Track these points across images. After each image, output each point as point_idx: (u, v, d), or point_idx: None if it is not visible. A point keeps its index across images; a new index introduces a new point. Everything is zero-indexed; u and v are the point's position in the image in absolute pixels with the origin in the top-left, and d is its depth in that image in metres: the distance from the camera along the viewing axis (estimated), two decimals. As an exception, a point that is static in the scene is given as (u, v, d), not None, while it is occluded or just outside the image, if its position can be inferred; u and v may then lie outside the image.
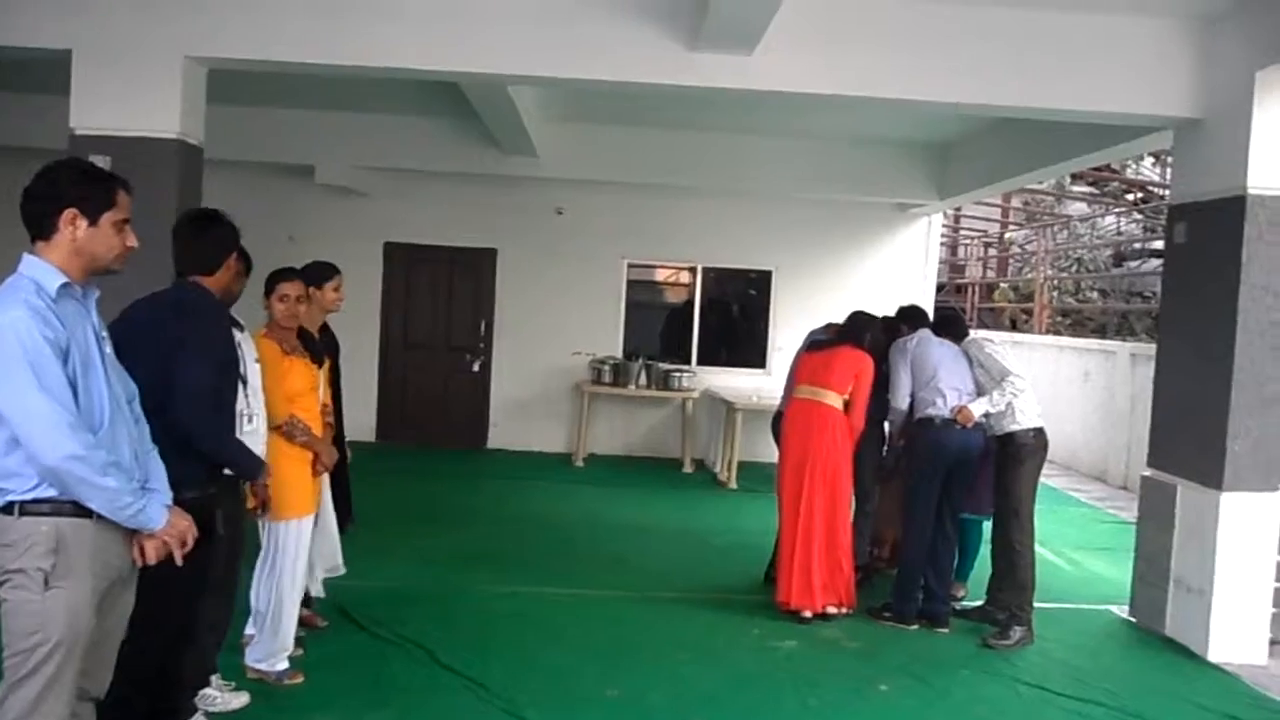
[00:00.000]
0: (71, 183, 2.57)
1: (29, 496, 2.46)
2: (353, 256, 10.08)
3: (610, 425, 10.80)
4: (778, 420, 5.98)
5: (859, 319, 5.74)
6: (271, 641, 4.16)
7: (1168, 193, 7.42)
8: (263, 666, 4.16)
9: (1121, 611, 5.92)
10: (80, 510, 2.49)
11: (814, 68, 5.51)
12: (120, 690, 3.07)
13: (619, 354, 10.68)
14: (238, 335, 3.59)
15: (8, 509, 2.47)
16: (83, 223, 2.55)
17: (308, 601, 4.80)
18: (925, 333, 5.68)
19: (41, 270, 2.51)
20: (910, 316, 5.96)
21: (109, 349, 2.66)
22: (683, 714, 4.16)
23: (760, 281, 11.08)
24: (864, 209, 10.76)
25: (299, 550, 4.13)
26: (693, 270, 11.10)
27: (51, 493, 2.46)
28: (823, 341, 5.79)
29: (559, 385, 10.75)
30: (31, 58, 5.53)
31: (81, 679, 2.57)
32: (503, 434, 10.85)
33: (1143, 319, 15.30)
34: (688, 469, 10.13)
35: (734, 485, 9.31)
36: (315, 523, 4.38)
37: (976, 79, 5.54)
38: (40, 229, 2.55)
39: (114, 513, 2.52)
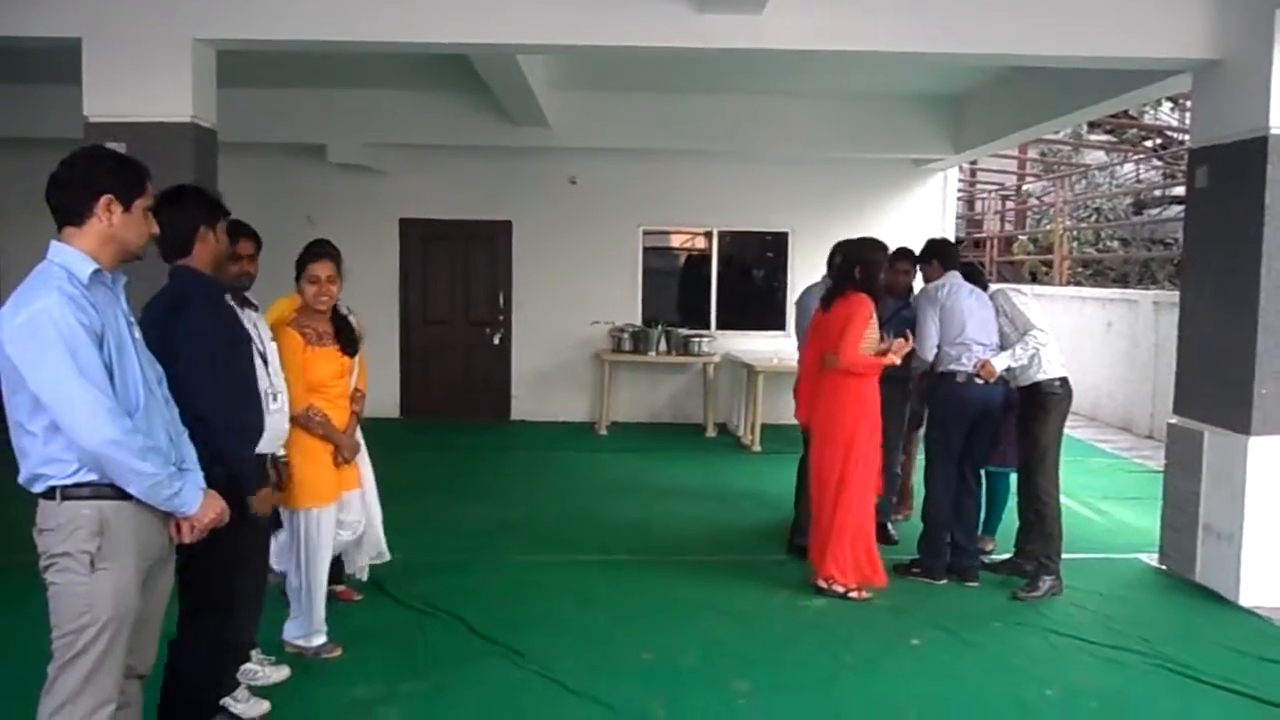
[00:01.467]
0: (107, 170, 2.60)
1: (70, 481, 2.50)
2: (369, 234, 10.19)
3: (632, 393, 10.82)
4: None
5: (835, 254, 5.65)
6: (307, 620, 4.24)
7: (1187, 137, 7.33)
8: (300, 643, 4.24)
9: (1151, 560, 5.91)
10: (121, 493, 2.53)
11: (823, 24, 5.45)
12: (184, 666, 3.17)
13: (638, 321, 10.69)
14: (252, 316, 3.57)
15: (50, 494, 2.51)
16: (118, 209, 2.58)
17: (339, 579, 4.87)
18: (956, 279, 5.50)
19: (72, 257, 2.53)
20: (941, 253, 5.67)
21: (139, 334, 2.69)
22: (717, 675, 4.21)
23: (777, 243, 11.04)
24: (879, 166, 10.67)
25: (320, 538, 4.16)
26: (709, 235, 11.06)
27: (93, 477, 2.50)
28: (827, 297, 5.42)
29: (579, 355, 10.77)
30: (42, 47, 5.54)
31: (128, 657, 2.63)
32: (525, 405, 10.91)
33: (1164, 266, 15.15)
34: (711, 433, 10.16)
35: (758, 448, 9.33)
36: (354, 508, 4.44)
37: (989, 28, 5.46)
38: (72, 215, 2.56)
39: (151, 497, 2.56)
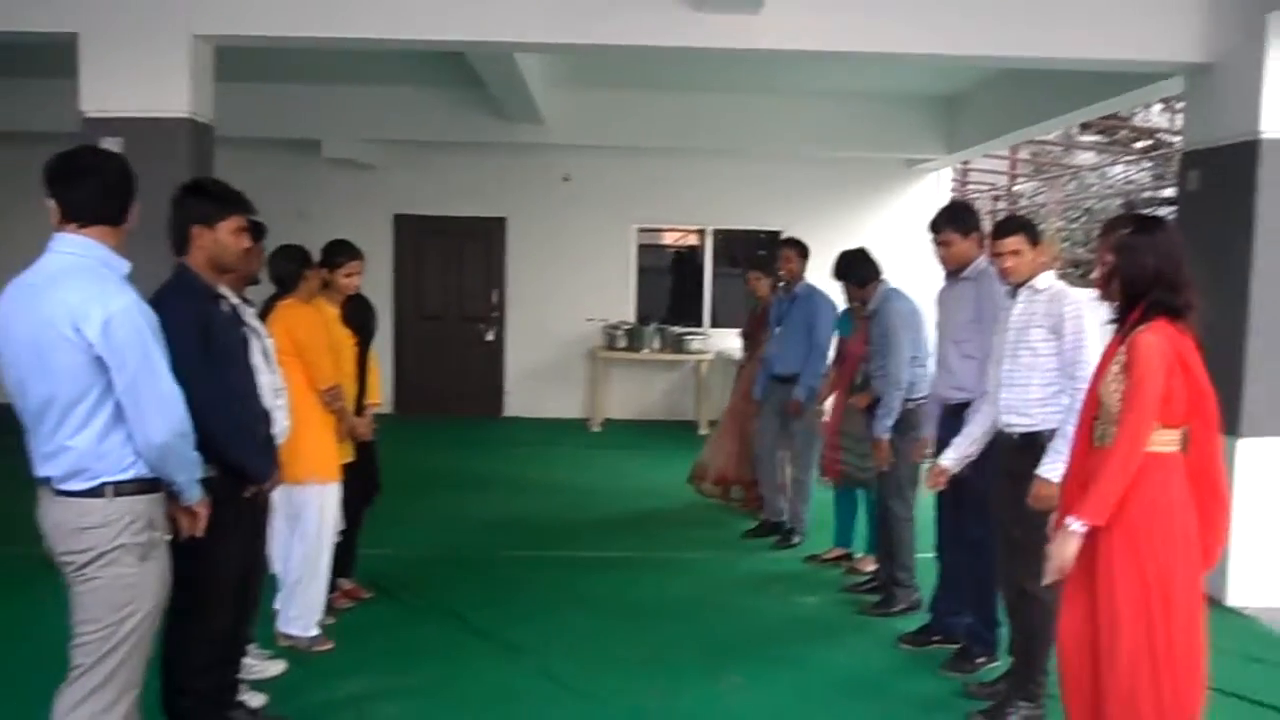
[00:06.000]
0: (127, 173, 2.66)
1: (126, 476, 2.54)
2: (363, 230, 10.10)
3: (625, 390, 10.85)
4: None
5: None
6: (303, 608, 4.22)
7: (1178, 140, 7.38)
8: (295, 632, 4.23)
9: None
10: (156, 486, 2.62)
11: (819, 24, 5.47)
12: (190, 667, 3.17)
13: (632, 319, 10.71)
14: (246, 313, 3.51)
15: (98, 491, 2.52)
16: (135, 210, 2.65)
17: (349, 572, 4.88)
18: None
19: (109, 256, 2.58)
20: None
21: None
22: (711, 669, 4.23)
23: (770, 242, 11.06)
24: (872, 166, 10.72)
25: (324, 515, 4.16)
26: (702, 233, 11.09)
27: (143, 472, 2.57)
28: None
29: (573, 352, 10.80)
30: (39, 42, 5.53)
31: None
32: (519, 402, 10.93)
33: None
34: (704, 431, 10.15)
35: (750, 446, 9.35)
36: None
37: (984, 30, 5.49)
38: (107, 214, 2.58)
39: (191, 485, 2.68)
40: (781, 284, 6.28)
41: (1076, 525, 2.84)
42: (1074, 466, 3.09)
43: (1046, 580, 2.92)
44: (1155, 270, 2.88)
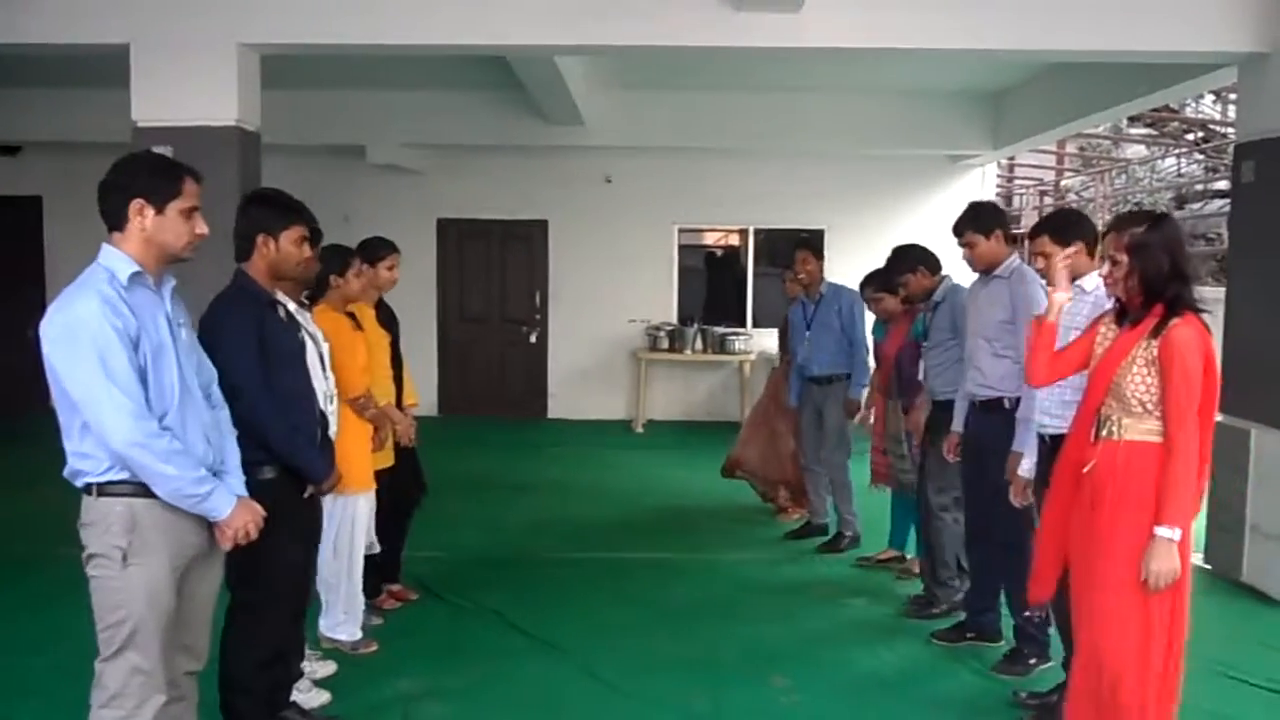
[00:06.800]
0: (137, 174, 2.65)
1: (104, 479, 2.56)
2: (407, 234, 10.09)
3: (668, 391, 10.85)
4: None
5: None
6: (344, 613, 4.27)
7: (1230, 131, 7.23)
8: (340, 637, 4.27)
9: (1196, 560, 5.83)
10: (152, 491, 2.57)
11: (861, 22, 5.43)
12: (247, 666, 3.20)
13: (674, 319, 10.71)
14: (300, 318, 3.55)
15: (88, 490, 2.58)
16: (150, 212, 2.61)
17: (396, 577, 4.92)
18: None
19: (116, 259, 2.60)
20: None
21: (185, 335, 2.73)
22: (757, 671, 4.22)
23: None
24: (916, 162, 10.62)
25: (357, 524, 4.20)
26: (744, 232, 11.06)
27: (125, 475, 2.55)
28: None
29: (615, 353, 10.82)
30: (93, 54, 5.65)
31: (179, 652, 2.68)
32: (562, 403, 10.96)
33: (1207, 262, 14.90)
34: (747, 432, 10.14)
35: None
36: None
37: (1029, 24, 5.42)
38: (113, 220, 2.63)
39: (176, 499, 2.59)
40: (802, 286, 6.26)
41: (1173, 534, 2.84)
42: (1068, 458, 3.12)
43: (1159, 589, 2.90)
44: (1171, 266, 2.93)
